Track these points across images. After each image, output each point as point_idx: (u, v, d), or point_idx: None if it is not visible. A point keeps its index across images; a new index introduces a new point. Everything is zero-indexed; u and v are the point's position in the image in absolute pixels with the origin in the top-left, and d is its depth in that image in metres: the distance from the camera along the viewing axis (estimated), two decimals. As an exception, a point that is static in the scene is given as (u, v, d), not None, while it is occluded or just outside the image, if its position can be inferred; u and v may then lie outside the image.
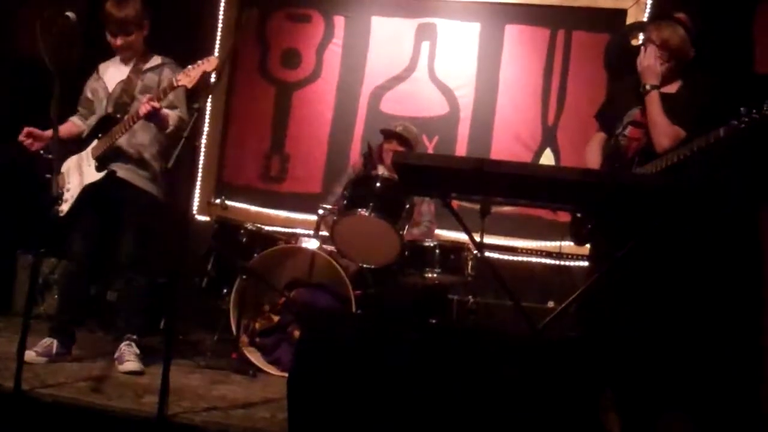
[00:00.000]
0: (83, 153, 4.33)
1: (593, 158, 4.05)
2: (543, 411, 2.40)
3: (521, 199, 3.46)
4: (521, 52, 6.08)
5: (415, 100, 6.21)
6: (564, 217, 4.86)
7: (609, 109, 4.08)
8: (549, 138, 5.94)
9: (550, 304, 5.12)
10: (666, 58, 3.77)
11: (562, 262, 5.45)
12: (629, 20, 5.63)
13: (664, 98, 3.75)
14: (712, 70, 4.75)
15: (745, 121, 3.24)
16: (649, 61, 3.75)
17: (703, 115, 3.62)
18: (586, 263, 4.44)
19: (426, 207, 5.22)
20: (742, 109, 3.26)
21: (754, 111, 3.23)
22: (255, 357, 4.56)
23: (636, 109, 3.82)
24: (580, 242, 4.09)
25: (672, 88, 3.81)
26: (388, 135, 5.32)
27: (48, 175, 3.60)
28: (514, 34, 6.10)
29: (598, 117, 4.18)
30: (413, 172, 3.05)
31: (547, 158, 5.85)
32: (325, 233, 4.81)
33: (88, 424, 3.24)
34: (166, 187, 4.45)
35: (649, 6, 5.64)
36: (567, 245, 5.18)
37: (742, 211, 4.46)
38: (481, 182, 3.00)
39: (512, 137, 6.01)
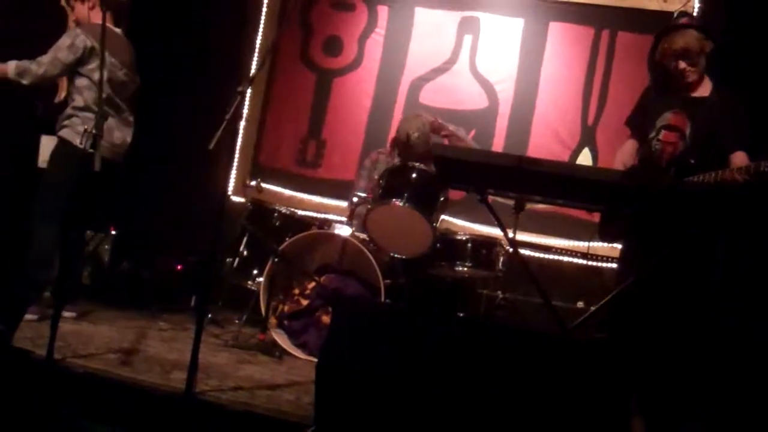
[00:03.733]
0: None
1: (623, 163, 4.01)
2: (570, 411, 2.40)
3: (557, 197, 3.45)
4: (564, 50, 6.04)
5: (455, 93, 6.20)
6: (598, 217, 4.84)
7: (640, 115, 4.03)
8: (588, 137, 5.91)
9: (580, 304, 5.11)
10: (691, 63, 3.73)
11: (594, 263, 5.43)
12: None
13: (696, 102, 3.72)
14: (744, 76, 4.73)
15: None
16: None
17: (739, 128, 3.60)
18: (615, 265, 4.40)
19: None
20: None
21: None
22: (282, 339, 4.60)
23: (669, 113, 3.78)
24: (608, 240, 4.08)
25: (704, 91, 3.77)
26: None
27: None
28: (557, 31, 6.07)
29: (628, 123, 4.12)
30: (452, 165, 3.06)
31: (585, 157, 5.82)
32: (358, 221, 4.83)
33: (117, 396, 3.28)
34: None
35: (696, 9, 5.58)
36: (597, 245, 5.18)
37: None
38: (518, 179, 3.00)
39: (551, 134, 5.98)
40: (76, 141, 4.25)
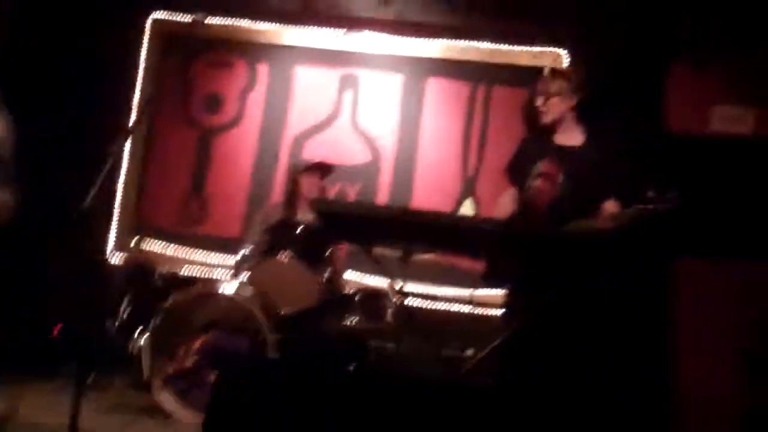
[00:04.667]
0: None
1: (503, 213, 4.12)
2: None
3: (441, 248, 3.50)
4: (443, 104, 6.20)
5: (338, 148, 6.25)
6: (482, 265, 4.93)
7: (518, 162, 4.16)
8: (469, 187, 6.04)
9: (469, 352, 5.15)
10: (544, 103, 3.91)
11: (481, 311, 5.51)
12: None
13: (567, 151, 3.87)
14: (620, 126, 4.97)
15: (650, 209, 3.34)
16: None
17: (609, 177, 3.76)
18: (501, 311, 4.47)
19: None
20: (649, 193, 3.37)
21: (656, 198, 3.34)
22: (167, 401, 4.45)
23: (543, 161, 3.90)
24: (492, 285, 4.16)
25: (576, 140, 3.94)
26: (309, 168, 5.27)
27: None
28: (436, 86, 6.23)
29: (508, 172, 4.23)
30: (336, 219, 3.07)
31: (467, 207, 5.94)
32: (243, 277, 4.77)
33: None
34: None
35: (565, 64, 5.84)
36: (482, 294, 5.27)
37: (657, 265, 4.59)
38: (402, 231, 3.03)
39: (433, 186, 6.09)
40: None
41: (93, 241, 4.57)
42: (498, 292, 4.91)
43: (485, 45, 6.12)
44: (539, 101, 3.92)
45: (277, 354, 4.50)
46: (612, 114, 5.23)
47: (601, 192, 3.79)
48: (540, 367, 3.69)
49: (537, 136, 4.03)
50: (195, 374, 4.52)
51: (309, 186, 5.10)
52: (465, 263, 5.46)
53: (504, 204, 4.14)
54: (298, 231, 4.52)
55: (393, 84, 6.28)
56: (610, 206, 3.73)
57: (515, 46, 6.09)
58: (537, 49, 6.02)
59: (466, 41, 6.15)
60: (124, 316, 4.87)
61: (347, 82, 6.37)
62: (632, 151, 4.09)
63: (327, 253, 4.61)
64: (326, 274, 4.63)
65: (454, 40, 6.18)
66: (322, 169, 5.24)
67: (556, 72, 4.00)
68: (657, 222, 3.25)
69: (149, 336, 4.55)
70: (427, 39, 6.21)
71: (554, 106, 3.92)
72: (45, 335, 5.51)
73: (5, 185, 4.35)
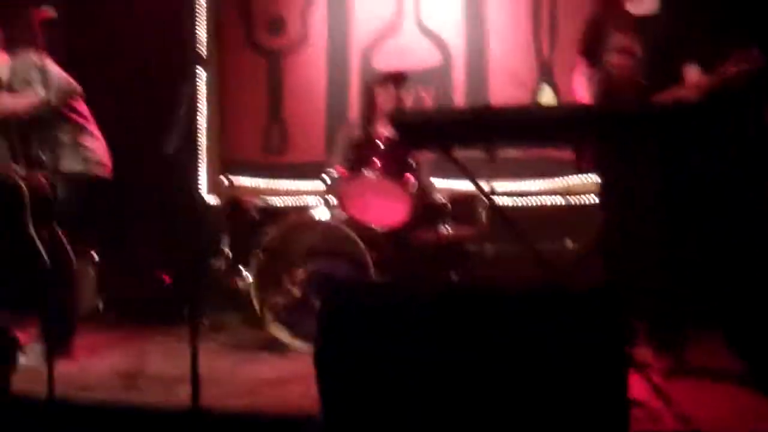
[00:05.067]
0: None
1: (583, 93, 4.01)
2: (573, 368, 2.37)
3: (524, 142, 3.42)
4: (507, -10, 5.97)
5: (407, 54, 6.11)
6: (570, 153, 4.81)
7: (591, 40, 4.01)
8: (545, 72, 5.85)
9: (568, 243, 5.10)
10: None
11: (576, 199, 5.42)
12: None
13: (644, 20, 3.70)
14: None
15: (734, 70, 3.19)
16: None
17: (689, 41, 3.59)
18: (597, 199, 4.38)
19: None
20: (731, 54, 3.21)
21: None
22: (282, 333, 4.57)
23: (618, 36, 3.76)
24: (583, 170, 4.09)
25: (648, 7, 3.75)
26: (381, 81, 5.18)
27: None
28: (497, -28, 5.99)
29: (582, 52, 4.09)
30: (412, 129, 3.03)
31: (546, 94, 5.77)
32: (333, 199, 4.80)
33: (124, 423, 3.26)
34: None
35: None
36: (576, 182, 5.16)
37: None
38: (482, 131, 2.96)
39: (508, 78, 5.90)
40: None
41: (185, 184, 4.63)
42: (591, 179, 4.81)
43: None
44: None
45: (380, 272, 4.54)
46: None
47: (681, 58, 3.62)
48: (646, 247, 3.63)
49: (608, 7, 3.87)
50: (303, 304, 4.61)
51: (384, 99, 5.03)
52: (552, 153, 5.36)
53: (581, 85, 4.03)
54: (380, 145, 4.47)
55: (453, -24, 6.06)
56: (693, 73, 3.57)
57: None
58: None
59: None
60: (228, 253, 4.97)
61: (407, -19, 6.19)
62: (709, 10, 3.88)
63: (412, 164, 4.56)
64: (414, 185, 4.60)
65: None
66: (395, 79, 5.14)
67: None
68: (743, 82, 3.10)
69: (254, 271, 4.64)
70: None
71: None
72: (157, 284, 5.72)
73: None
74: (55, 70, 4.26)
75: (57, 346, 3.98)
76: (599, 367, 2.35)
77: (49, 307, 4.03)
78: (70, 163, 4.39)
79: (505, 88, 5.89)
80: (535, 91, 5.83)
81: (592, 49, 4.00)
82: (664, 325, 3.72)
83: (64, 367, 3.84)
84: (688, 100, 3.26)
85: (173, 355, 4.25)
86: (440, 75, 6.06)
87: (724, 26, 4.10)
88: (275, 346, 4.43)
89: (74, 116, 4.44)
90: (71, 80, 4.34)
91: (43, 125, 3.94)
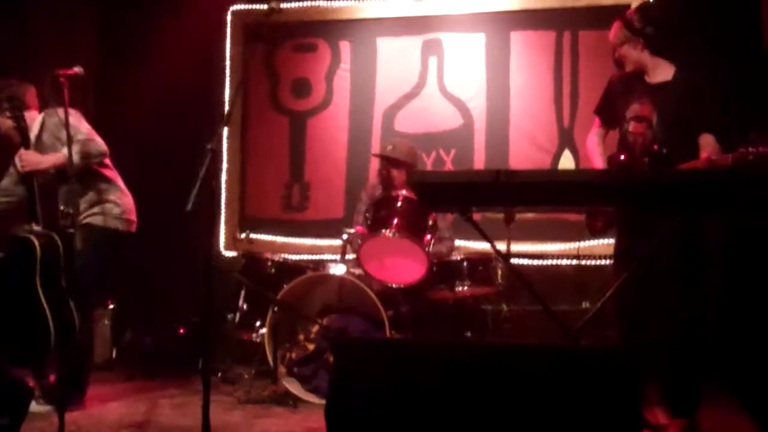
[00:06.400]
0: None
1: (596, 155, 4.07)
2: (587, 429, 2.36)
3: (541, 204, 3.44)
4: (529, 57, 6.06)
5: (428, 116, 6.22)
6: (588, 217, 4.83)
7: (608, 103, 4.10)
8: (566, 139, 5.91)
9: (585, 304, 5.08)
10: (617, 53, 3.88)
11: (592, 262, 5.42)
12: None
13: (659, 88, 3.77)
14: (716, 51, 4.76)
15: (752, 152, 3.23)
16: None
17: (704, 110, 3.65)
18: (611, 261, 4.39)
19: (442, 222, 5.10)
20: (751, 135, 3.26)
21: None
22: (294, 387, 4.56)
23: (635, 104, 3.84)
24: (595, 234, 4.13)
25: (666, 75, 3.82)
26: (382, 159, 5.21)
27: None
28: (520, 40, 6.09)
29: (597, 111, 4.20)
30: (432, 190, 3.06)
31: (567, 159, 5.83)
32: (351, 257, 4.82)
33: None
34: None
35: (652, -1, 5.60)
36: (592, 245, 5.17)
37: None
38: (499, 193, 2.99)
39: (529, 142, 5.99)
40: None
41: (204, 239, 4.67)
42: (606, 242, 4.83)
43: (565, -10, 5.94)
44: (615, 54, 3.89)
45: (395, 329, 4.54)
46: (706, 40, 5.04)
47: (697, 125, 3.68)
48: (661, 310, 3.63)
49: (625, 75, 3.94)
50: (317, 358, 4.62)
51: (399, 174, 5.07)
52: (569, 216, 5.38)
53: (594, 146, 4.10)
54: (399, 205, 4.52)
55: (476, 43, 6.17)
56: (706, 140, 3.63)
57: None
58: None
59: (545, -12, 5.99)
60: (244, 308, 4.99)
61: (430, 48, 6.30)
62: (728, 77, 3.93)
63: (430, 224, 4.60)
64: (432, 245, 4.62)
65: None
66: (389, 160, 5.13)
67: (620, 21, 3.90)
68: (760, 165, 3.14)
69: (269, 325, 4.66)
70: (504, -8, 6.08)
71: (628, 54, 3.86)
72: (172, 336, 5.74)
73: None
74: (84, 128, 4.33)
75: (68, 399, 4.01)
76: (613, 428, 2.33)
77: (56, 365, 4.07)
78: (94, 217, 4.43)
79: (525, 153, 5.96)
80: (556, 157, 5.89)
81: (606, 111, 4.08)
82: (678, 386, 3.70)
83: (75, 417, 3.86)
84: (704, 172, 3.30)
85: (185, 407, 4.25)
86: (461, 137, 6.14)
87: (738, 99, 4.16)
88: (287, 400, 4.42)
89: (102, 170, 4.50)
90: (98, 140, 4.36)
91: (69, 179, 3.99)
